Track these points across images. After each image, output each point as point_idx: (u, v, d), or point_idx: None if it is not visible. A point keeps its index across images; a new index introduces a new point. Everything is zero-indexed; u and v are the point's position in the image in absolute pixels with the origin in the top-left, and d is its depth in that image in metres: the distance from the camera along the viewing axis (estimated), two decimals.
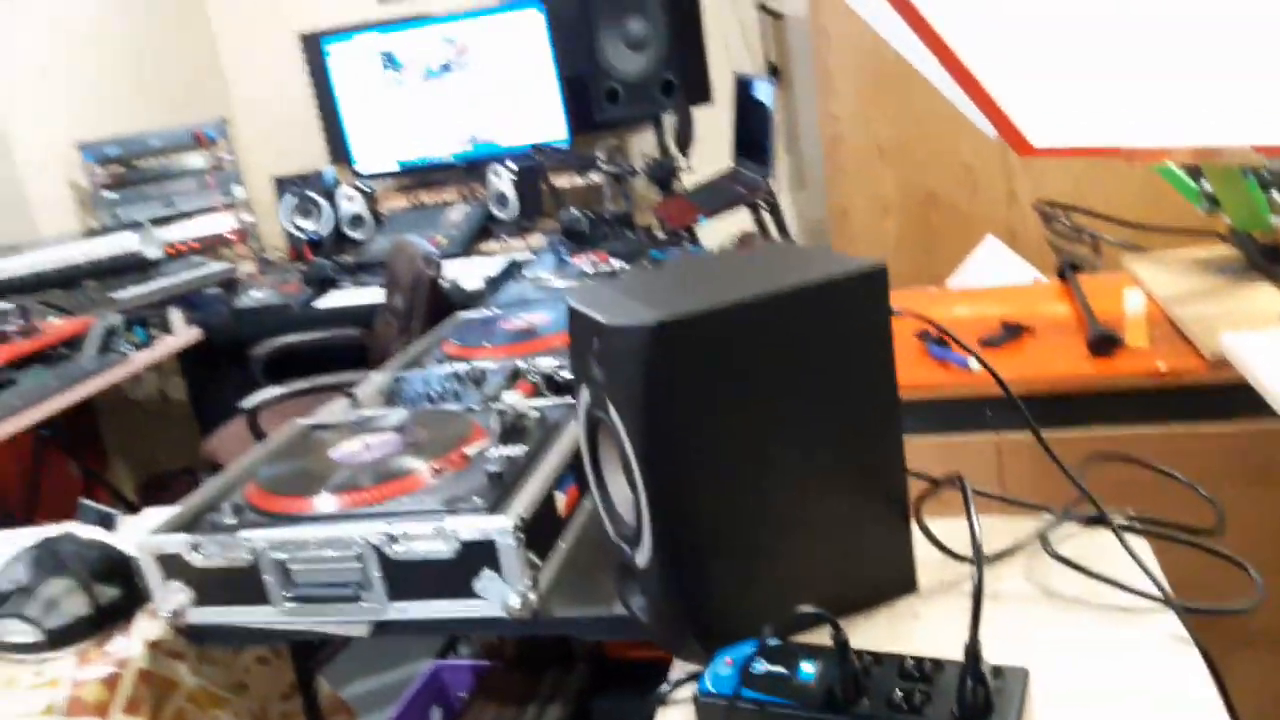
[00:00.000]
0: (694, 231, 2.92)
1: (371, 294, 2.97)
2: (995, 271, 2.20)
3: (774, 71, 3.73)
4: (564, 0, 3.41)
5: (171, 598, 1.21)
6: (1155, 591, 0.84)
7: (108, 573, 1.33)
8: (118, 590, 1.32)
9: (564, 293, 1.85)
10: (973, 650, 0.68)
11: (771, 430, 0.81)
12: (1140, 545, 0.91)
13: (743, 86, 2.81)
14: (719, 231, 2.92)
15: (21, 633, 1.28)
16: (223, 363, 3.07)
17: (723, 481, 0.81)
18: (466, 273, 2.95)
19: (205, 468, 2.62)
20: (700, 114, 3.31)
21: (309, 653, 1.42)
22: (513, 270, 2.85)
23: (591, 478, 0.94)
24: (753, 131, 2.73)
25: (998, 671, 0.71)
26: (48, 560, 1.33)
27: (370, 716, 1.72)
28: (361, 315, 2.90)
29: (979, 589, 0.71)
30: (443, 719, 1.83)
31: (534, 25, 3.46)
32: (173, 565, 1.20)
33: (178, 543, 1.19)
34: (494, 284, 2.81)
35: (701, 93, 3.26)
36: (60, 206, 3.36)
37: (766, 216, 2.73)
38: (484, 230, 3.40)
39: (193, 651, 1.33)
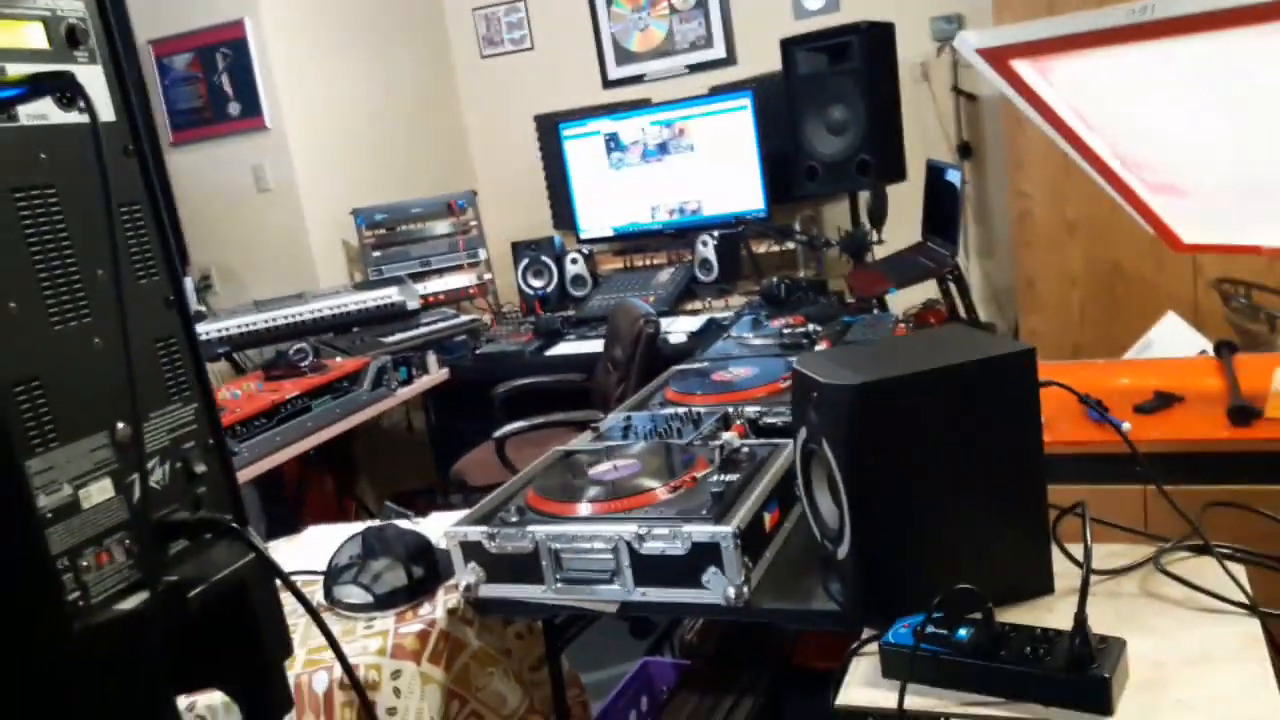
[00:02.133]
0: (884, 300, 3.18)
1: (592, 345, 3.40)
2: (1172, 346, 2.37)
3: (966, 149, 3.96)
4: (772, 90, 3.77)
5: (469, 575, 1.60)
6: (1243, 599, 1.08)
7: (418, 555, 1.73)
8: (424, 569, 1.72)
9: (787, 358, 2.22)
10: (1080, 618, 0.96)
11: (941, 465, 1.11)
12: (1237, 570, 1.14)
13: (934, 171, 3.08)
14: (906, 300, 3.18)
15: (358, 595, 1.70)
16: (464, 399, 3.56)
17: (904, 499, 1.11)
18: (672, 328, 3.34)
19: (453, 486, 3.07)
20: (893, 190, 3.58)
21: (557, 634, 1.77)
22: (712, 327, 3.20)
23: (802, 493, 1.26)
24: (942, 210, 2.97)
25: (1102, 639, 0.98)
26: (375, 543, 1.74)
27: (593, 700, 2.06)
28: (583, 363, 3.33)
29: (1086, 578, 0.98)
30: (649, 706, 2.17)
31: (743, 111, 3.84)
32: (471, 550, 1.59)
33: (478, 533, 1.57)
34: (696, 339, 3.17)
35: (896, 172, 3.50)
36: (334, 261, 3.98)
37: (953, 288, 2.97)
38: (688, 291, 3.78)
39: (477, 620, 1.72)
